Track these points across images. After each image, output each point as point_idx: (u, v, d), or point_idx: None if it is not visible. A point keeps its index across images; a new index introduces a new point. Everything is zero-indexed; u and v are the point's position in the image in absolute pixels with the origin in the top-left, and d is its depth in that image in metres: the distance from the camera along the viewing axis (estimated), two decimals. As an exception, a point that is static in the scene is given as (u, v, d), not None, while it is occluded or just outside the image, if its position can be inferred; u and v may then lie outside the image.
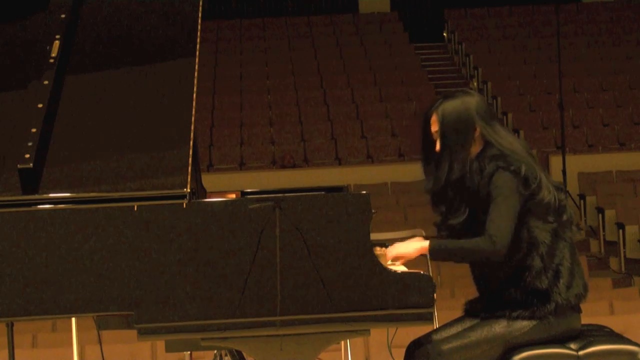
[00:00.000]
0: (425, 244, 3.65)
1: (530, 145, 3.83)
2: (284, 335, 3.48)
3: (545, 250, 3.62)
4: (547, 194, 3.63)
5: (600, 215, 12.36)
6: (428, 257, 3.71)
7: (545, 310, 3.62)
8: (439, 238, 3.81)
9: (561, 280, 3.63)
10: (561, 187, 3.75)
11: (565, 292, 3.64)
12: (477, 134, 3.71)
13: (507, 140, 3.71)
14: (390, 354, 3.98)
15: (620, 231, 11.78)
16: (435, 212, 3.81)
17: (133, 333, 3.50)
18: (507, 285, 3.66)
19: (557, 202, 3.66)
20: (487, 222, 3.58)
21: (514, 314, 3.64)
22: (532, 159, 3.73)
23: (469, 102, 3.73)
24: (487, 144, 3.71)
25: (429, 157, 3.79)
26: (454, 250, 3.63)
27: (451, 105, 3.73)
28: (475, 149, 3.72)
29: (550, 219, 3.64)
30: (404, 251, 3.66)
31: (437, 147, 3.72)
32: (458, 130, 3.69)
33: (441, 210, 3.77)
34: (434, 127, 3.75)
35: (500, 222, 3.56)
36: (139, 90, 3.86)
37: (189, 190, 3.45)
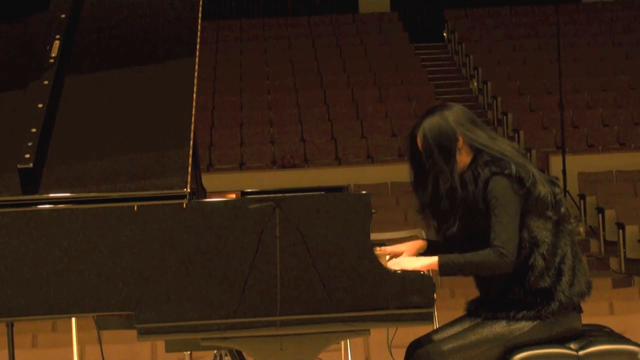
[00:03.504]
0: (434, 260, 3.63)
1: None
2: (284, 335, 3.48)
3: (546, 249, 3.62)
4: (543, 189, 3.63)
5: (600, 215, 12.36)
6: (431, 272, 3.67)
7: (549, 310, 3.62)
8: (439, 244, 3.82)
9: (564, 279, 3.63)
10: (555, 182, 3.75)
11: (569, 291, 3.64)
12: (460, 144, 3.71)
13: (493, 143, 3.71)
14: (390, 354, 3.98)
15: (620, 231, 11.78)
16: (428, 227, 3.81)
17: (133, 333, 3.50)
18: (510, 286, 3.65)
19: (553, 196, 3.66)
20: (491, 235, 3.58)
21: (519, 315, 3.63)
22: (523, 156, 3.74)
23: (447, 114, 3.73)
24: (477, 151, 3.71)
25: (419, 177, 3.79)
26: (463, 265, 3.61)
27: (431, 122, 3.73)
28: (466, 158, 3.72)
29: (550, 213, 3.64)
30: (412, 266, 3.60)
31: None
32: (440, 145, 3.69)
33: (433, 224, 3.77)
34: (419, 147, 3.75)
35: (505, 234, 3.56)
36: (139, 90, 3.86)
37: (189, 190, 3.45)
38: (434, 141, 3.70)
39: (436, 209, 3.72)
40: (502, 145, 3.72)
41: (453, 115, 3.73)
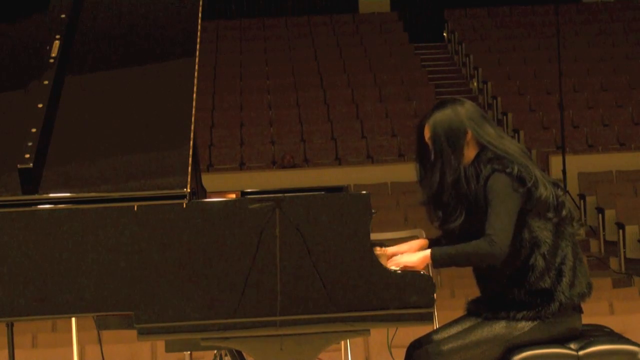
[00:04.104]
0: (427, 253, 3.64)
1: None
2: (284, 335, 3.48)
3: (547, 250, 3.62)
4: (544, 191, 3.64)
5: (600, 215, 12.36)
6: (430, 265, 3.68)
7: (549, 310, 3.62)
8: (440, 241, 3.82)
9: (564, 280, 3.64)
10: (558, 184, 3.76)
11: (569, 291, 3.64)
12: (469, 137, 3.72)
13: (500, 141, 3.72)
14: (390, 354, 3.98)
15: (620, 231, 11.78)
16: (431, 219, 3.81)
17: (133, 333, 3.50)
18: (510, 286, 3.66)
19: (555, 198, 3.66)
20: (485, 225, 3.58)
21: (519, 315, 3.64)
22: (527, 158, 3.75)
23: (459, 109, 3.76)
24: (482, 147, 3.72)
25: (425, 170, 3.80)
26: (455, 255, 3.62)
27: (442, 114, 3.75)
28: (471, 153, 3.73)
29: (550, 215, 3.65)
30: (410, 261, 3.62)
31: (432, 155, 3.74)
32: (448, 137, 3.71)
33: (438, 216, 3.77)
34: (426, 136, 3.76)
35: (498, 223, 3.57)
36: (139, 90, 3.86)
37: (189, 190, 3.45)
38: (443, 132, 3.71)
39: (441, 200, 3.72)
40: (508, 145, 3.73)
41: (465, 109, 3.75)
